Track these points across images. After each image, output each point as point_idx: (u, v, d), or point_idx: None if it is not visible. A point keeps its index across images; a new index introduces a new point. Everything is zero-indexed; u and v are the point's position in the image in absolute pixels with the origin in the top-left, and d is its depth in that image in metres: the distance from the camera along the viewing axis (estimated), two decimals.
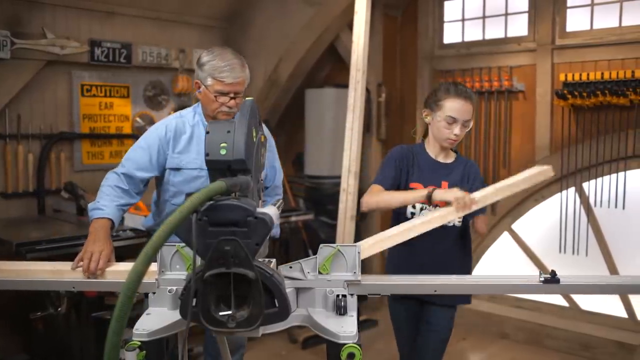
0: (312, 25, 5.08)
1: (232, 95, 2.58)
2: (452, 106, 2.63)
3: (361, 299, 1.99)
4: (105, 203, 2.47)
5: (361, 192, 5.01)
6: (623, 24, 4.30)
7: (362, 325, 4.85)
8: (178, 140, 2.68)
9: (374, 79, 5.22)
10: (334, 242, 4.37)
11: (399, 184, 2.70)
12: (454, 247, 2.75)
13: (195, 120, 2.72)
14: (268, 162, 2.80)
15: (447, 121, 2.64)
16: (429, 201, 2.47)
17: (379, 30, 5.24)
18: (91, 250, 2.16)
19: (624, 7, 4.30)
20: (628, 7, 4.29)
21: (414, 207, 2.67)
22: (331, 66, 5.69)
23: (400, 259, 2.78)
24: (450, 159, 2.80)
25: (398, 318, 2.87)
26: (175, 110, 5.12)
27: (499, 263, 5.00)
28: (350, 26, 4.52)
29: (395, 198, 2.58)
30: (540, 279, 1.96)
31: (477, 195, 2.40)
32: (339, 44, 5.25)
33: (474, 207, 2.35)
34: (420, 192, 2.52)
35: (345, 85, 4.45)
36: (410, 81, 5.37)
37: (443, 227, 2.49)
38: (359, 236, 4.95)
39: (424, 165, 2.73)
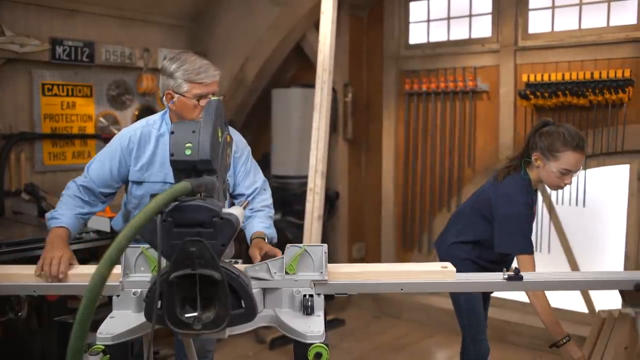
0: (279, 25, 5.07)
1: (210, 96, 2.44)
2: (570, 160, 2.63)
3: (329, 298, 2.00)
4: (63, 212, 2.40)
5: (328, 192, 5.05)
6: (582, 27, 4.39)
7: (329, 324, 4.85)
8: (142, 152, 2.52)
9: (341, 78, 5.24)
10: (301, 242, 4.37)
11: None
12: None
13: (162, 130, 2.55)
14: (246, 170, 2.70)
15: (561, 172, 2.65)
16: (556, 345, 2.56)
17: (345, 31, 5.26)
18: (50, 256, 2.11)
19: (583, 10, 4.39)
20: (587, 10, 4.39)
21: None
22: (298, 66, 5.68)
23: (470, 256, 2.91)
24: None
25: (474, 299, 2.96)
26: (140, 110, 5.09)
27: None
28: (316, 26, 4.52)
29: (548, 316, 2.62)
30: (504, 276, 1.99)
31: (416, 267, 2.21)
32: (305, 44, 5.25)
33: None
34: (560, 332, 2.57)
35: (311, 85, 4.46)
36: (376, 81, 5.40)
37: None
38: (326, 236, 4.97)
39: (535, 202, 2.80)
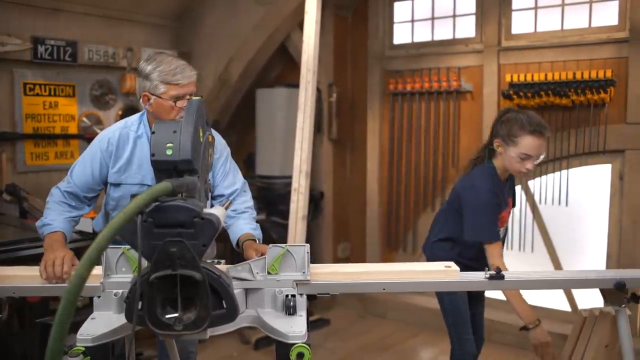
0: (263, 24, 5.06)
1: (187, 97, 2.43)
2: (528, 144, 2.65)
3: (311, 298, 2.00)
4: (53, 217, 2.41)
5: (312, 193, 5.05)
6: (565, 28, 4.43)
7: (314, 324, 4.87)
8: (120, 153, 2.52)
9: (325, 79, 5.24)
10: (286, 242, 4.37)
11: None
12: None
13: (140, 132, 2.53)
14: (225, 171, 2.69)
15: (521, 157, 2.67)
16: (525, 329, 2.57)
17: (330, 31, 5.26)
18: (52, 257, 2.12)
19: (565, 11, 4.43)
20: (569, 11, 4.42)
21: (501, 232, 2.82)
22: (282, 66, 5.67)
23: (451, 255, 2.89)
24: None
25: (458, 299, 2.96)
26: (124, 110, 5.06)
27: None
28: (301, 26, 4.52)
29: (519, 302, 2.67)
30: (486, 275, 2.00)
31: (399, 267, 2.25)
32: (289, 43, 5.25)
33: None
34: (530, 316, 2.60)
35: (296, 85, 4.45)
36: (361, 81, 5.41)
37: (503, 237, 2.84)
38: (310, 236, 4.97)
39: (502, 192, 2.82)
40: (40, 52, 4.48)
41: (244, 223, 2.59)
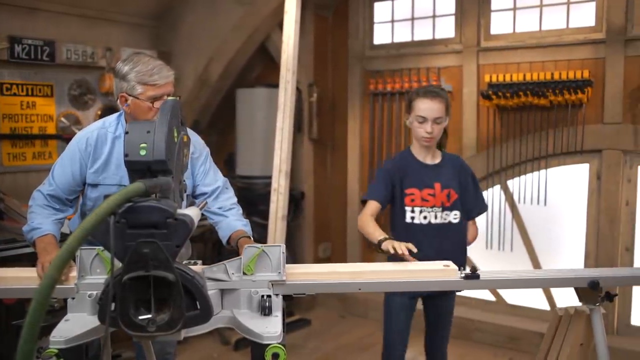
0: (243, 24, 5.05)
1: (165, 97, 2.41)
2: (420, 106, 2.78)
3: (287, 298, 1.99)
4: (41, 221, 2.40)
5: (293, 193, 5.04)
6: (543, 28, 4.47)
7: (295, 324, 4.87)
8: (98, 154, 2.50)
9: (305, 79, 5.24)
10: (266, 242, 4.36)
11: (394, 195, 2.86)
12: (456, 244, 2.95)
13: (118, 132, 2.52)
14: (206, 169, 2.68)
15: (418, 121, 2.79)
16: (378, 247, 2.49)
17: (310, 31, 5.26)
18: (49, 259, 2.10)
19: (544, 11, 4.47)
20: (547, 11, 4.46)
21: (413, 211, 2.85)
22: (263, 66, 5.66)
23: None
24: (438, 158, 2.94)
25: (395, 309, 2.95)
26: (103, 110, 5.01)
27: None
28: (281, 26, 4.52)
29: (365, 230, 2.66)
30: (461, 275, 2.01)
31: (373, 267, 2.22)
32: (270, 43, 5.24)
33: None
34: (376, 236, 2.54)
35: (276, 85, 4.45)
36: (341, 81, 5.41)
37: (444, 225, 2.85)
38: (291, 236, 4.97)
39: (414, 170, 2.88)
40: (17, 52, 4.43)
41: (234, 219, 2.59)
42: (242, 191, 5.25)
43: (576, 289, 2.20)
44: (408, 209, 2.86)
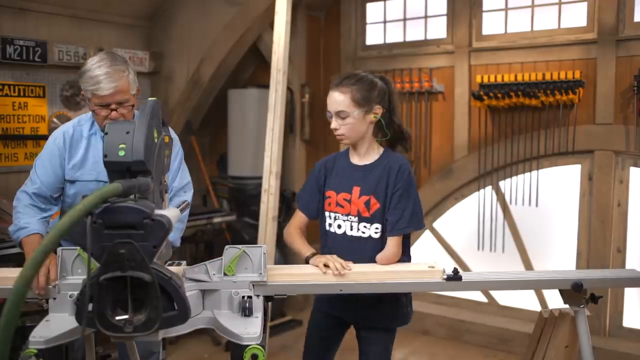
0: (234, 25, 5.04)
1: (113, 106, 2.40)
2: (328, 99, 2.41)
3: (268, 299, 1.99)
4: (27, 220, 2.41)
5: (284, 193, 5.04)
6: (534, 29, 4.47)
7: (286, 325, 4.87)
8: (75, 150, 2.54)
9: (298, 79, 5.23)
10: (257, 243, 4.36)
11: (320, 198, 2.48)
12: (373, 258, 2.33)
13: (93, 129, 2.57)
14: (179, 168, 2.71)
15: (327, 115, 2.44)
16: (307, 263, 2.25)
17: (302, 31, 5.25)
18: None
19: (535, 12, 4.47)
20: (538, 12, 4.46)
21: (330, 217, 2.43)
22: (255, 66, 5.66)
23: None
24: (370, 159, 2.43)
25: (313, 329, 2.58)
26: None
27: (421, 261, 5.09)
28: (272, 26, 4.50)
29: (293, 246, 2.44)
30: (444, 276, 2.00)
31: (356, 267, 2.14)
32: (261, 44, 5.23)
33: (347, 273, 2.09)
34: (304, 252, 2.32)
35: (268, 86, 4.44)
36: None
37: (361, 238, 2.35)
38: (281, 237, 4.95)
39: (339, 171, 2.47)
40: (9, 53, 4.42)
41: None
42: (234, 192, 5.25)
43: (560, 291, 2.20)
44: (326, 213, 2.44)
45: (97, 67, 2.41)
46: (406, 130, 2.48)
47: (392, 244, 2.29)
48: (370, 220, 2.34)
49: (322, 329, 2.53)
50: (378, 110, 2.37)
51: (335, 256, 2.14)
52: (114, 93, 2.38)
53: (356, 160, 2.45)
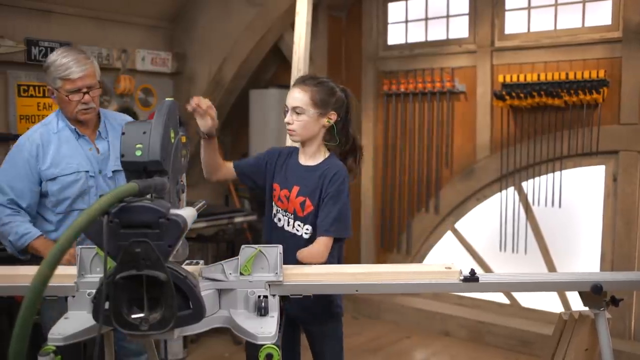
0: (255, 26, 5.06)
1: (84, 90, 2.56)
2: (288, 94, 2.49)
3: (285, 299, 1.99)
4: (26, 226, 2.53)
5: None
6: (558, 28, 4.41)
7: None
8: (47, 151, 2.61)
9: None
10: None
11: (257, 179, 2.56)
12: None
13: (60, 126, 2.65)
14: None
15: (284, 110, 2.50)
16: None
17: (324, 31, 5.25)
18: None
19: (559, 11, 4.41)
20: (562, 11, 4.41)
21: (274, 207, 2.50)
22: (276, 67, 5.68)
23: None
24: (314, 162, 2.49)
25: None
26: (118, 111, 5.04)
27: (442, 262, 5.07)
28: (293, 27, 4.51)
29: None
30: (460, 277, 1.99)
31: (371, 268, 2.18)
32: (283, 44, 5.24)
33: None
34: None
35: (289, 86, 4.44)
36: (355, 82, 5.39)
37: (295, 236, 2.41)
38: None
39: (287, 166, 2.52)
40: (33, 54, 4.50)
41: None
42: (255, 191, 5.26)
43: (580, 293, 2.16)
44: (272, 204, 2.52)
45: (63, 57, 2.54)
46: (359, 144, 2.56)
47: (320, 243, 2.36)
48: (304, 221, 2.43)
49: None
50: (332, 116, 2.45)
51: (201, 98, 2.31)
52: (84, 76, 2.54)
53: (302, 160, 2.52)
